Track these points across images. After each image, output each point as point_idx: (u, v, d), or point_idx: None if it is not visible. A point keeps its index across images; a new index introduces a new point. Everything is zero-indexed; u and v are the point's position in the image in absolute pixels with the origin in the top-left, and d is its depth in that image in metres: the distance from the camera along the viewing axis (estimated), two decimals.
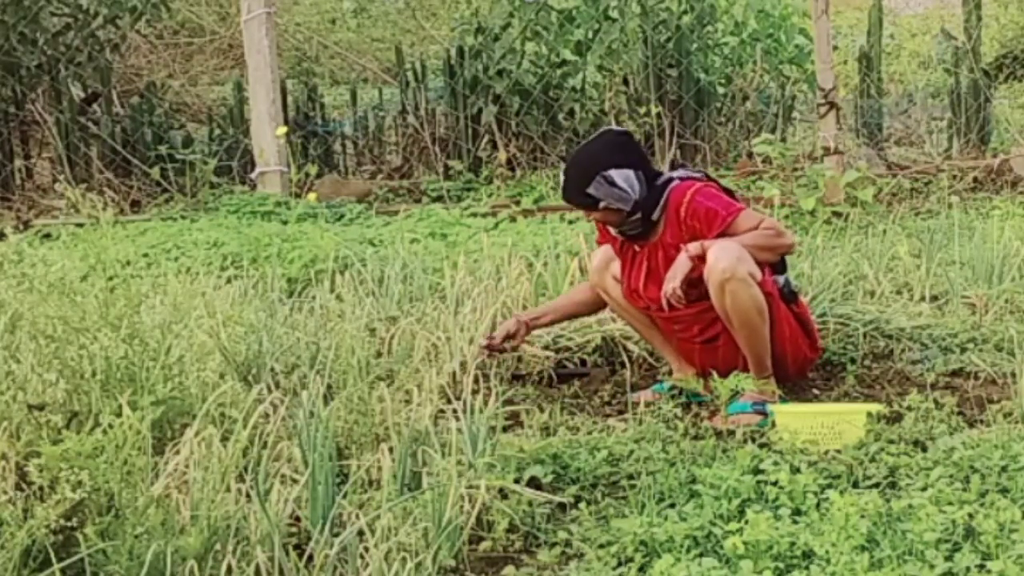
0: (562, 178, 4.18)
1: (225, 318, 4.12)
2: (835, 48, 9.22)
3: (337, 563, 2.75)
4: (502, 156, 8.58)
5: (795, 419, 3.65)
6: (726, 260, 3.90)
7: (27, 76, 8.93)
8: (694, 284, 3.98)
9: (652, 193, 4.09)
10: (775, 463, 3.27)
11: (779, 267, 4.19)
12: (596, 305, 4.46)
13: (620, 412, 4.11)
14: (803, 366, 4.29)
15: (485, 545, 3.05)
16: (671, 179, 4.15)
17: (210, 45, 12.32)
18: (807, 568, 2.71)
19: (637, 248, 4.18)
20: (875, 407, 3.73)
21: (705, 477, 3.18)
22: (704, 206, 4.03)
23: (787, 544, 2.78)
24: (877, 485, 3.19)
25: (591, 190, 4.03)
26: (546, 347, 4.69)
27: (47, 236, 6.97)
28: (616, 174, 4.03)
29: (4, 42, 8.71)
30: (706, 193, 4.08)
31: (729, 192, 4.22)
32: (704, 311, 4.04)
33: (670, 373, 4.43)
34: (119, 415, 2.88)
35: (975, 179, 8.12)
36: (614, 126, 4.55)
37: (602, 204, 4.05)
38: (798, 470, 3.24)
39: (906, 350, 4.57)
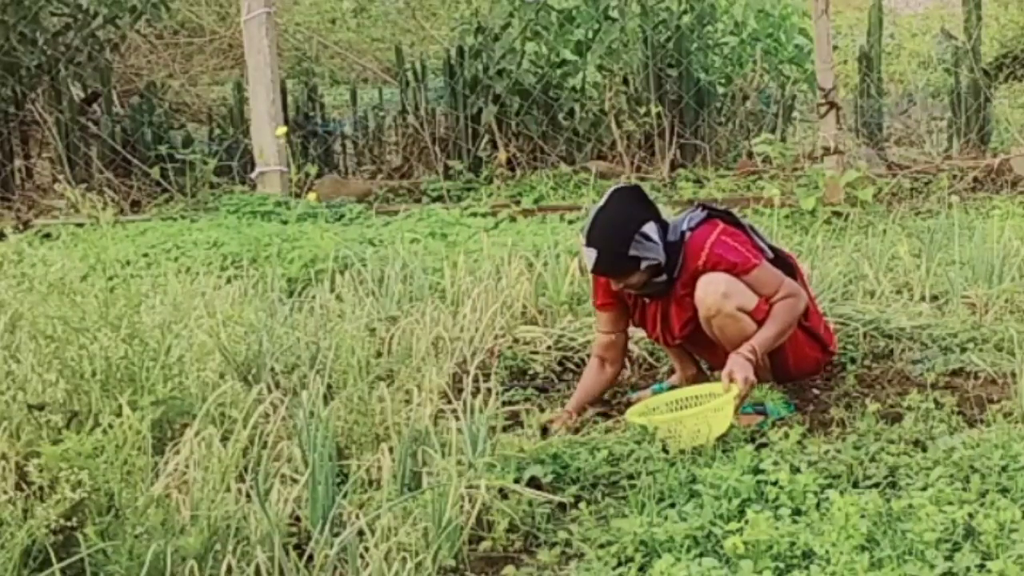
0: (590, 254, 3.90)
1: (225, 318, 4.12)
2: (835, 48, 9.21)
3: (337, 563, 2.75)
4: (502, 156, 8.58)
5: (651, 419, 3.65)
6: (712, 297, 3.89)
7: (27, 76, 8.92)
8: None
9: (671, 250, 3.95)
10: (775, 463, 3.28)
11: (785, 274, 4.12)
12: (614, 374, 4.26)
13: (621, 412, 4.11)
14: (809, 369, 4.24)
15: (485, 545, 3.05)
16: (682, 233, 3.98)
17: (210, 45, 12.31)
18: (807, 568, 2.71)
19: (647, 300, 4.11)
20: (715, 388, 3.75)
21: (705, 477, 3.18)
22: (723, 259, 3.93)
23: (787, 544, 2.78)
24: (877, 485, 3.19)
25: (634, 251, 3.87)
26: (548, 348, 4.69)
27: (47, 236, 6.97)
28: (649, 228, 3.90)
29: (4, 42, 8.70)
30: (721, 244, 3.96)
31: (736, 220, 4.10)
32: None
33: (671, 372, 4.43)
34: (119, 415, 2.88)
35: (975, 179, 8.12)
36: (621, 184, 4.36)
37: (643, 264, 3.90)
38: (798, 470, 3.24)
39: (906, 350, 4.57)
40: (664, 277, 3.97)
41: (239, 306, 4.64)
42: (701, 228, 4.00)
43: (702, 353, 4.25)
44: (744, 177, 8.29)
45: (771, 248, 4.15)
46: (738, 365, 3.78)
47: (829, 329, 4.34)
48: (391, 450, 3.27)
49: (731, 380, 3.73)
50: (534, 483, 3.29)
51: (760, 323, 3.92)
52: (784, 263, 4.14)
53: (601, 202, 3.98)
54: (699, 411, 3.65)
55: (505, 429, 3.74)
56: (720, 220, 4.06)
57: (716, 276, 3.92)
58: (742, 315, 3.90)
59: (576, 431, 3.88)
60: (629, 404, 4.06)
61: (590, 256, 3.91)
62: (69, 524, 2.70)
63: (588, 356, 4.69)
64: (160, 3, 9.35)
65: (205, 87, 11.66)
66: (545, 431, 3.89)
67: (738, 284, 3.92)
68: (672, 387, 4.20)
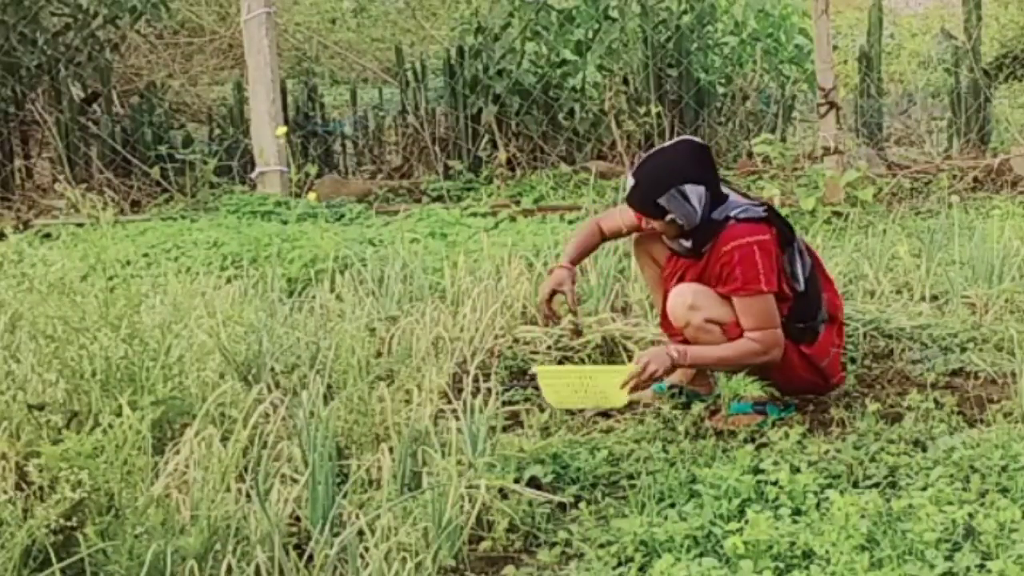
0: (630, 181, 3.93)
1: (225, 318, 4.12)
2: (835, 48, 9.21)
3: (337, 563, 2.75)
4: (502, 156, 8.57)
5: (556, 379, 3.82)
6: (680, 310, 3.87)
7: (27, 76, 8.91)
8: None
9: (709, 227, 3.89)
10: (775, 463, 3.28)
11: (804, 312, 3.98)
12: (600, 244, 4.37)
13: (621, 413, 4.11)
14: (802, 389, 4.09)
15: (485, 545, 3.05)
16: (728, 218, 3.89)
17: (210, 45, 12.31)
18: (807, 568, 2.71)
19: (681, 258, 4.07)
20: (625, 368, 3.82)
21: (705, 477, 3.18)
22: (735, 266, 3.83)
23: (787, 544, 2.78)
24: (877, 485, 3.19)
25: (663, 201, 3.84)
26: (548, 348, 4.69)
27: (47, 236, 6.97)
28: (691, 190, 3.84)
29: (4, 42, 8.70)
30: (746, 253, 3.82)
31: (788, 231, 3.97)
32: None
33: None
34: (119, 415, 2.88)
35: (975, 179, 8.12)
36: (692, 137, 4.33)
37: (668, 217, 3.87)
38: (798, 470, 3.24)
39: (906, 350, 4.57)
40: (689, 243, 3.93)
41: (239, 306, 4.64)
42: (747, 225, 3.87)
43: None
44: (744, 177, 8.29)
45: (806, 274, 3.98)
46: (654, 356, 3.79)
47: (838, 363, 4.14)
48: (391, 450, 3.27)
49: (637, 369, 3.76)
50: (534, 483, 3.29)
51: (729, 340, 3.85)
52: (812, 298, 3.99)
53: (668, 143, 4.06)
54: (585, 370, 3.87)
55: (505, 429, 3.74)
56: (772, 228, 3.91)
57: (683, 287, 3.89)
58: (713, 326, 3.84)
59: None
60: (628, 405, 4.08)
61: (629, 184, 3.96)
62: (69, 524, 2.70)
63: (589, 355, 4.70)
64: (160, 3, 9.34)
65: (205, 87, 11.66)
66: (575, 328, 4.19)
67: (708, 295, 3.86)
68: (672, 386, 4.19)
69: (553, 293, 4.14)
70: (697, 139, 4.28)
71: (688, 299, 3.86)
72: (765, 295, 3.83)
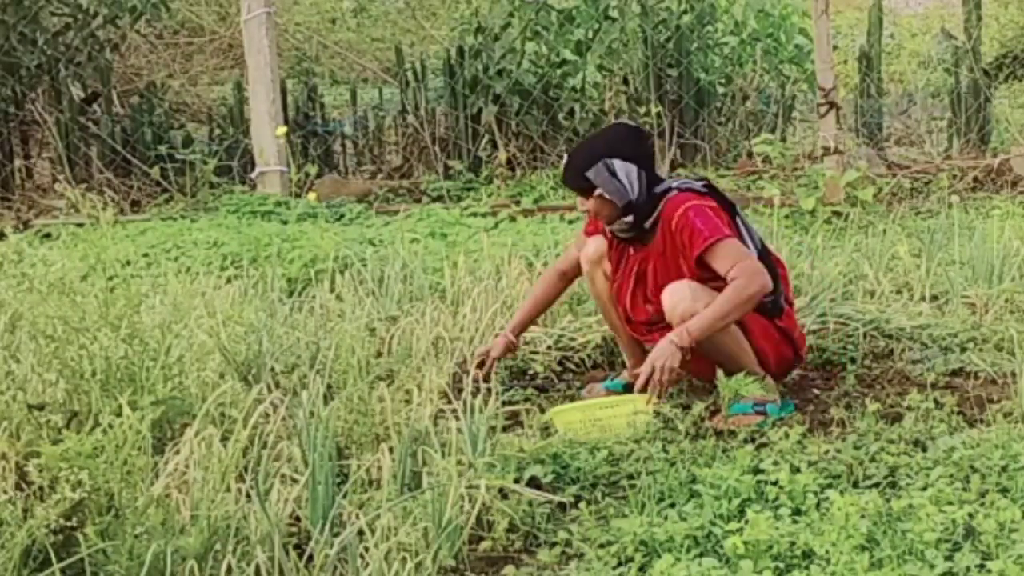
0: (564, 161, 4.13)
1: (225, 318, 4.12)
2: (835, 48, 9.22)
3: (337, 563, 2.75)
4: (502, 156, 8.58)
5: (569, 416, 3.80)
6: (683, 303, 3.87)
7: (27, 76, 8.92)
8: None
9: (649, 200, 4.02)
10: (775, 463, 3.28)
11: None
12: (565, 290, 4.45)
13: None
14: (786, 370, 4.22)
15: (485, 545, 3.05)
16: (669, 189, 4.05)
17: (210, 45, 12.32)
18: (807, 568, 2.71)
19: (632, 251, 4.15)
20: (644, 400, 3.79)
21: (705, 477, 3.18)
22: (692, 224, 3.91)
23: (787, 544, 2.78)
24: (877, 485, 3.19)
25: (590, 174, 3.97)
26: (548, 348, 4.69)
27: (47, 236, 6.97)
28: (619, 165, 3.97)
29: (4, 42, 8.71)
30: (698, 210, 3.94)
31: (729, 205, 4.09)
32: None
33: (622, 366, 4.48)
34: (119, 415, 2.88)
35: (975, 179, 8.12)
36: (629, 122, 4.47)
37: (597, 191, 3.98)
38: (798, 470, 3.24)
39: (906, 350, 4.57)
40: (630, 218, 4.01)
41: (239, 306, 4.64)
42: (689, 193, 4.01)
43: (641, 350, 4.24)
44: (744, 177, 8.29)
45: (757, 246, 4.09)
46: (658, 354, 3.77)
47: (803, 336, 4.27)
48: (391, 450, 3.27)
49: (649, 371, 3.74)
50: (534, 483, 3.29)
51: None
52: (770, 268, 4.03)
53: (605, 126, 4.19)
54: (594, 404, 3.86)
55: (505, 429, 3.74)
56: (713, 200, 4.03)
57: (676, 285, 3.91)
58: None
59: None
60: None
61: (563, 162, 4.11)
62: (69, 524, 2.70)
63: (589, 355, 4.70)
64: (160, 3, 9.35)
65: (205, 87, 11.67)
66: (482, 365, 4.18)
67: (702, 287, 3.89)
68: (626, 384, 4.24)
69: (485, 360, 4.25)
70: (632, 123, 4.40)
71: (687, 292, 3.88)
72: (729, 238, 3.91)
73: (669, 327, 3.91)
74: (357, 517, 2.90)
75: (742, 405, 3.89)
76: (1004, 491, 3.05)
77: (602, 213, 4.06)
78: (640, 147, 4.06)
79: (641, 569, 2.80)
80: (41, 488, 2.75)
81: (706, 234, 3.89)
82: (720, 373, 3.87)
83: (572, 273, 4.40)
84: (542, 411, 4.01)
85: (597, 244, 4.24)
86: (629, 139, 4.07)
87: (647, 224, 4.03)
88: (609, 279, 4.23)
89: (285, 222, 7.24)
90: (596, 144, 4.10)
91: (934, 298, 5.24)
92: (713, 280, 3.91)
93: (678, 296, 3.89)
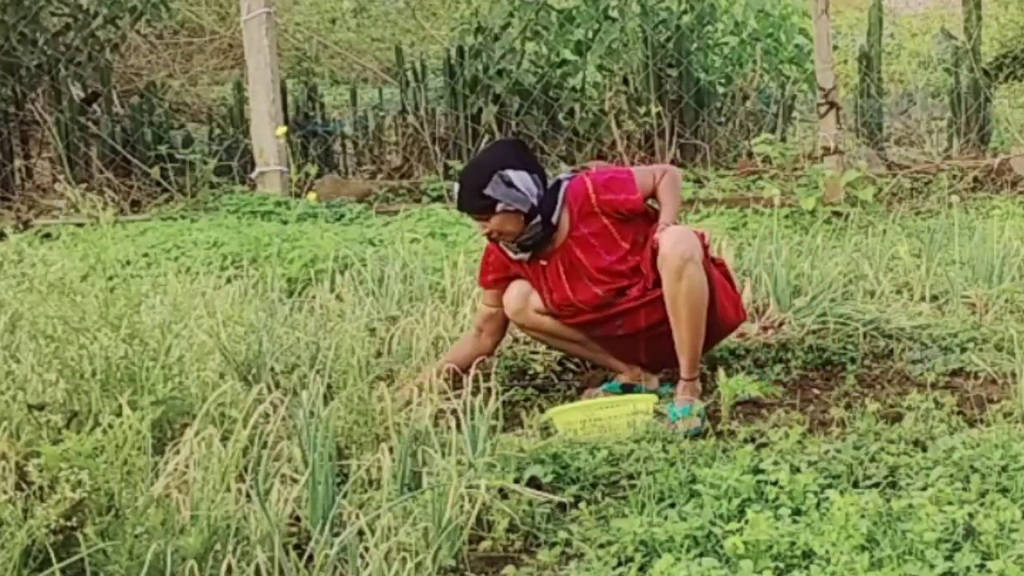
0: (456, 188, 4.10)
1: (225, 318, 4.12)
2: (835, 48, 9.21)
3: (337, 563, 2.75)
4: None
5: (570, 416, 3.83)
6: (685, 244, 3.93)
7: (27, 76, 8.92)
8: (636, 272, 4.07)
9: (548, 195, 4.09)
10: (775, 463, 3.28)
11: None
12: (487, 352, 4.34)
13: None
14: (730, 323, 4.25)
15: (485, 545, 3.05)
16: (559, 181, 4.17)
17: (210, 45, 12.31)
18: (807, 568, 2.71)
19: (544, 262, 4.17)
20: (644, 400, 3.85)
21: (705, 477, 3.18)
22: (608, 179, 4.13)
23: (787, 544, 2.78)
24: (877, 485, 3.19)
25: (488, 191, 3.97)
26: (548, 348, 4.69)
27: (47, 236, 6.97)
28: (512, 174, 4.00)
29: (4, 42, 8.71)
30: (598, 173, 4.21)
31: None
32: (647, 295, 4.06)
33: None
34: (119, 415, 2.88)
35: (975, 179, 8.12)
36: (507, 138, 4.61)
37: (500, 206, 3.98)
38: (798, 470, 3.24)
39: (906, 350, 4.57)
40: (538, 218, 4.05)
41: (239, 306, 4.64)
42: (578, 175, 4.22)
43: (614, 345, 4.28)
44: (744, 177, 8.29)
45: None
46: (671, 230, 3.97)
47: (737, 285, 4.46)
48: (391, 450, 3.27)
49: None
50: (534, 483, 3.29)
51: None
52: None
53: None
54: (593, 404, 3.91)
55: (505, 429, 3.74)
56: None
57: (679, 228, 4.02)
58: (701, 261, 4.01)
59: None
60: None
61: (455, 191, 4.12)
62: (69, 524, 2.70)
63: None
64: (160, 3, 9.35)
65: (205, 87, 11.66)
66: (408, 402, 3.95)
67: (694, 236, 4.03)
68: (623, 385, 4.26)
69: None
70: (508, 138, 4.48)
71: (688, 235, 3.98)
72: (635, 169, 4.23)
73: (629, 296, 4.09)
74: (357, 517, 2.90)
75: (684, 408, 3.90)
76: (1004, 491, 3.05)
77: (506, 229, 4.06)
78: (526, 155, 4.17)
79: (641, 569, 2.80)
80: (41, 488, 2.75)
81: (624, 175, 4.14)
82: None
83: (487, 321, 4.32)
84: (542, 411, 4.01)
85: (515, 291, 4.25)
86: (513, 150, 4.17)
87: (555, 218, 4.09)
88: (543, 307, 4.24)
89: (285, 222, 7.24)
90: (484, 162, 4.11)
91: (934, 298, 5.24)
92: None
93: (680, 236, 3.97)
